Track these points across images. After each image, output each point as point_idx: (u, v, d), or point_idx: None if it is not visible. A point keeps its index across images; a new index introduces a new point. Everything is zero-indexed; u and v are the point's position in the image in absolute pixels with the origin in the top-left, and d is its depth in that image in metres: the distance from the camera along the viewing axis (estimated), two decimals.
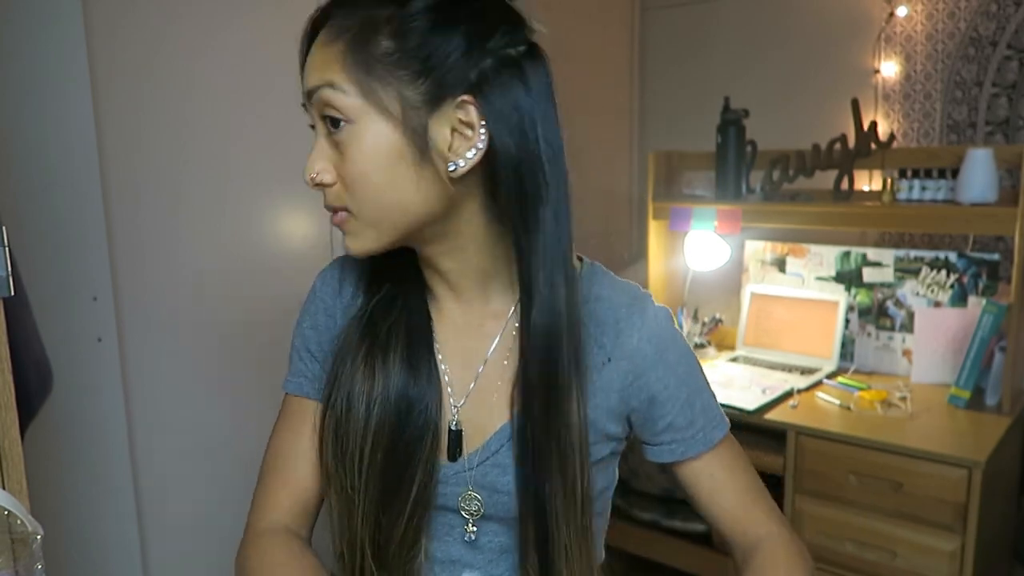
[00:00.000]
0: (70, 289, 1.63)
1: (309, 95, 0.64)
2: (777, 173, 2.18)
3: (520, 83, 0.63)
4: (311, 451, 0.75)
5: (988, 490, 1.62)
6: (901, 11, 2.99)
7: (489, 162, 0.64)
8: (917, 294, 2.09)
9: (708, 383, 0.77)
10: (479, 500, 0.72)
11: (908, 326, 2.09)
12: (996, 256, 2.00)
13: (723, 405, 1.87)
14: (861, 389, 1.96)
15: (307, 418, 0.77)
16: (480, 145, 0.63)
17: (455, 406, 0.74)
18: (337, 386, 0.72)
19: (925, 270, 2.08)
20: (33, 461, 0.84)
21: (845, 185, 2.09)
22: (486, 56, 0.62)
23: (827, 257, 2.24)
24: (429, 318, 0.75)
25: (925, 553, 1.65)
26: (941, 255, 2.07)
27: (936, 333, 2.01)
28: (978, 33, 2.87)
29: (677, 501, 2.10)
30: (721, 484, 0.75)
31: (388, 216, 0.64)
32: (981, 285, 2.00)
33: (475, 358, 0.74)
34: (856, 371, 2.13)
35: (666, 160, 2.43)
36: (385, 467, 0.69)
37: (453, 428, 0.73)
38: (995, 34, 2.85)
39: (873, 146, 2.06)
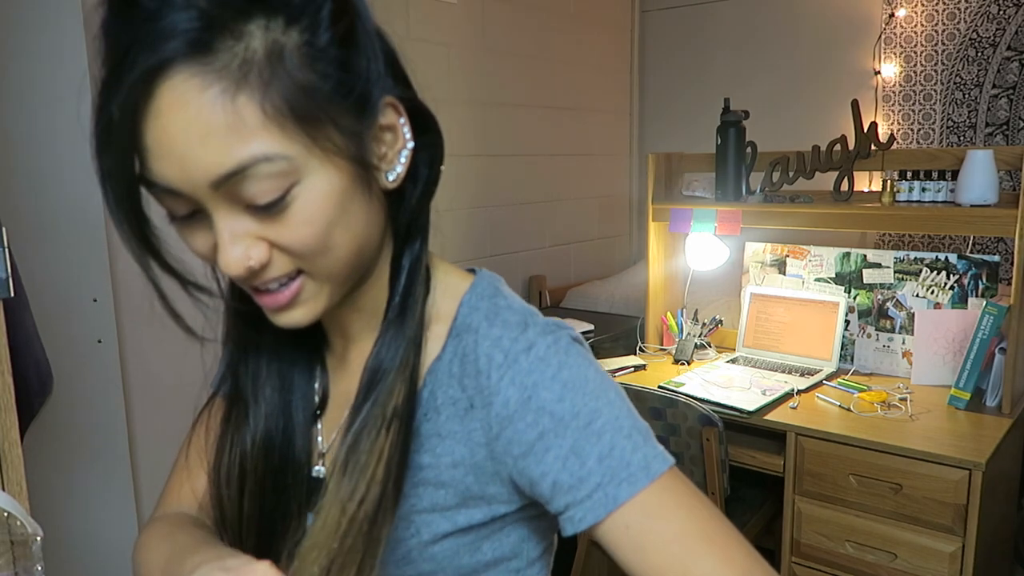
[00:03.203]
0: (70, 291, 1.64)
1: (216, 185, 0.46)
2: (777, 175, 2.18)
3: (395, 68, 0.56)
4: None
5: (988, 491, 1.62)
6: (901, 13, 2.99)
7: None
8: (917, 295, 2.09)
9: (625, 422, 0.56)
10: None
11: (908, 327, 2.09)
12: (996, 258, 2.00)
13: (723, 406, 1.90)
14: (861, 390, 1.96)
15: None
16: (410, 144, 0.55)
17: (321, 451, 0.65)
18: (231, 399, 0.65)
19: (925, 271, 2.08)
20: (33, 461, 0.84)
21: (845, 186, 2.09)
22: (380, 47, 0.53)
23: (827, 258, 2.25)
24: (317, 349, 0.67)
25: (925, 555, 1.65)
26: (941, 256, 2.07)
27: (936, 335, 2.01)
28: (978, 34, 2.88)
29: None
30: (644, 536, 0.53)
31: (351, 263, 0.54)
32: (981, 287, 2.00)
33: (350, 400, 0.62)
34: (856, 372, 2.13)
35: (666, 162, 2.43)
36: (260, 513, 0.63)
37: (313, 476, 0.64)
38: (995, 35, 2.85)
39: (873, 147, 2.06)
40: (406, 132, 0.54)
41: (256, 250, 0.49)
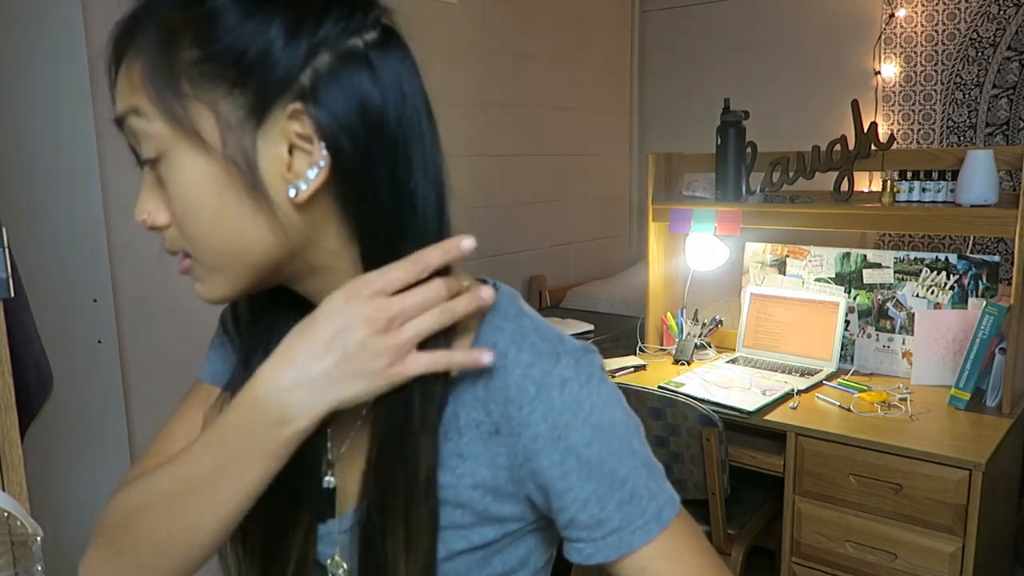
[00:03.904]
0: (70, 291, 1.64)
1: (119, 124, 0.54)
2: (777, 175, 2.18)
3: (368, 79, 0.53)
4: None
5: (988, 492, 1.62)
6: (901, 13, 2.99)
7: (338, 178, 0.54)
8: (917, 295, 2.09)
9: (645, 469, 0.58)
10: (345, 569, 0.64)
11: (908, 328, 2.09)
12: (996, 258, 2.01)
13: (723, 406, 1.90)
14: (861, 391, 1.96)
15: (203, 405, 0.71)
16: (322, 162, 0.52)
17: (330, 460, 0.65)
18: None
19: (925, 272, 2.08)
20: (33, 461, 0.84)
21: (845, 187, 2.09)
22: (318, 50, 0.51)
23: (827, 259, 2.25)
24: None
25: (925, 555, 1.65)
26: (941, 257, 2.07)
27: (936, 335, 2.01)
28: (978, 34, 2.88)
29: None
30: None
31: (229, 260, 0.54)
32: (981, 287, 2.00)
33: (362, 403, 0.61)
34: (856, 373, 2.13)
35: (666, 162, 2.43)
36: (267, 522, 0.63)
37: (324, 486, 0.64)
38: (995, 35, 2.85)
39: (873, 147, 2.06)
40: (322, 148, 0.52)
41: (159, 213, 0.55)
